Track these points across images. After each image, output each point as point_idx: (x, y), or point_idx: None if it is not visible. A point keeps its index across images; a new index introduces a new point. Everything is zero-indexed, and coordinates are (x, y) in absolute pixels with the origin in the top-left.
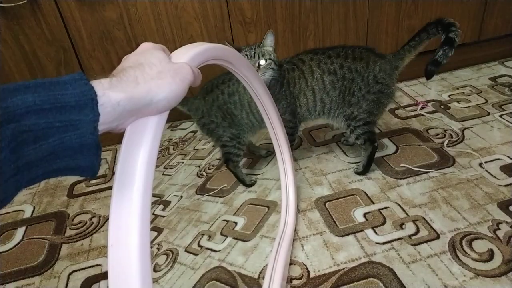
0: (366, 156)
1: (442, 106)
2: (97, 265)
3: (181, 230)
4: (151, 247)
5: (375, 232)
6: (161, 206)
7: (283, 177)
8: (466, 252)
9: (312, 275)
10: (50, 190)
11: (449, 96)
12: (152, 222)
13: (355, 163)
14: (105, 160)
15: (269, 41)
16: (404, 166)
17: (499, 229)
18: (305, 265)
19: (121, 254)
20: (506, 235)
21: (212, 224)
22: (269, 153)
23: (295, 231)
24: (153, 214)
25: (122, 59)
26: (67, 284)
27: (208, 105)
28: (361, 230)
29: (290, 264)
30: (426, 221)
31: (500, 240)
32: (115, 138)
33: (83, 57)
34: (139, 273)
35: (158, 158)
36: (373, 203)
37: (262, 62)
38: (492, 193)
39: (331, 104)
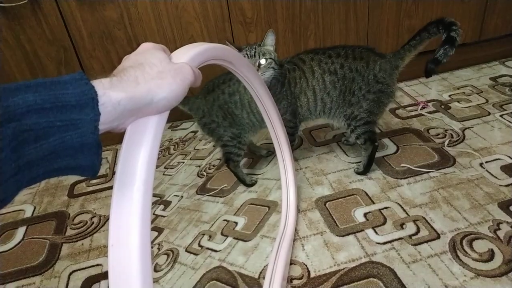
0: (367, 156)
1: (442, 106)
2: (97, 265)
3: (182, 230)
4: (152, 247)
5: (376, 232)
6: (161, 206)
7: (284, 177)
8: (466, 252)
9: (312, 275)
10: (50, 190)
11: (449, 96)
12: (152, 222)
13: (355, 163)
14: (106, 159)
15: (270, 41)
16: (405, 166)
17: (499, 229)
18: (306, 265)
19: (122, 254)
20: (506, 235)
21: (212, 224)
22: (270, 153)
23: (296, 231)
24: (153, 214)
25: (123, 59)
26: (67, 284)
27: (209, 104)
28: (362, 230)
29: (291, 264)
30: (427, 221)
31: (501, 240)
32: (116, 137)
33: (83, 56)
34: (140, 273)
35: (158, 158)
36: (374, 203)
37: (263, 61)
38: (493, 193)
39: (332, 103)
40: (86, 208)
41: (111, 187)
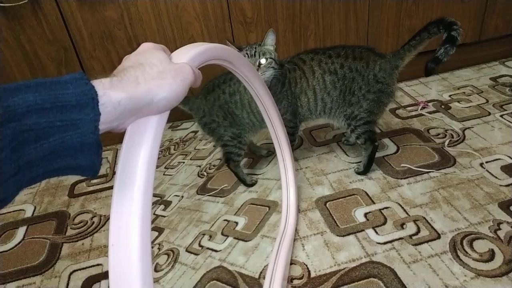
0: (367, 156)
1: (443, 106)
2: (98, 264)
3: (182, 230)
4: (152, 247)
5: (376, 232)
6: (162, 206)
7: (284, 177)
8: (467, 252)
9: (312, 275)
10: (51, 190)
11: (449, 96)
12: (153, 222)
13: (355, 163)
14: (106, 159)
15: (270, 40)
16: (405, 166)
17: (500, 229)
18: (306, 265)
19: (122, 253)
20: (507, 235)
21: (213, 224)
22: (270, 153)
23: (296, 231)
24: (154, 214)
25: (123, 59)
26: (68, 284)
27: (210, 104)
28: (362, 230)
29: (291, 264)
30: (427, 221)
31: (501, 240)
32: (116, 137)
33: (83, 57)
34: (140, 273)
35: (159, 158)
36: (374, 203)
37: (263, 61)
38: (493, 193)
39: (332, 103)
40: (86, 208)
41: (111, 187)
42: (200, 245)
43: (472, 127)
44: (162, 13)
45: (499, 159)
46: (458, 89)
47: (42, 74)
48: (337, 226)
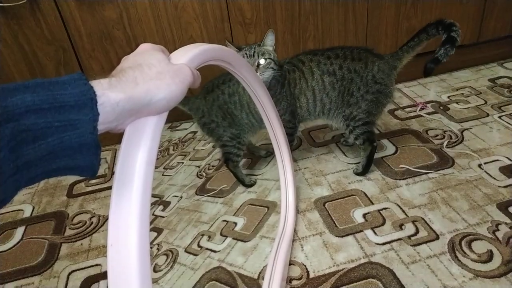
0: (366, 157)
1: (441, 107)
2: (96, 265)
3: (181, 231)
4: (151, 248)
5: (375, 233)
6: (161, 207)
7: (283, 178)
8: (465, 253)
9: (311, 275)
10: (49, 190)
11: (448, 97)
12: (152, 222)
13: (354, 163)
14: (105, 160)
15: (269, 41)
16: (404, 167)
17: (498, 230)
18: (305, 266)
19: (121, 254)
20: (505, 236)
21: (212, 225)
22: (269, 154)
23: (295, 231)
24: (153, 214)
25: (122, 59)
26: (66, 284)
27: (209, 104)
28: (361, 231)
29: (290, 264)
30: (426, 222)
31: (500, 241)
32: (115, 138)
33: (82, 57)
34: (139, 273)
35: (158, 158)
36: (373, 203)
37: (262, 61)
38: (491, 194)
39: (331, 104)
40: (85, 208)
41: (110, 187)
42: (199, 246)
43: (471, 128)
44: (161, 13)
45: (498, 160)
46: (457, 90)
47: (41, 74)
48: (336, 227)
